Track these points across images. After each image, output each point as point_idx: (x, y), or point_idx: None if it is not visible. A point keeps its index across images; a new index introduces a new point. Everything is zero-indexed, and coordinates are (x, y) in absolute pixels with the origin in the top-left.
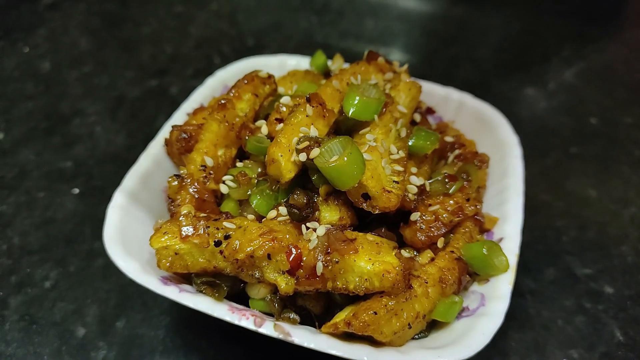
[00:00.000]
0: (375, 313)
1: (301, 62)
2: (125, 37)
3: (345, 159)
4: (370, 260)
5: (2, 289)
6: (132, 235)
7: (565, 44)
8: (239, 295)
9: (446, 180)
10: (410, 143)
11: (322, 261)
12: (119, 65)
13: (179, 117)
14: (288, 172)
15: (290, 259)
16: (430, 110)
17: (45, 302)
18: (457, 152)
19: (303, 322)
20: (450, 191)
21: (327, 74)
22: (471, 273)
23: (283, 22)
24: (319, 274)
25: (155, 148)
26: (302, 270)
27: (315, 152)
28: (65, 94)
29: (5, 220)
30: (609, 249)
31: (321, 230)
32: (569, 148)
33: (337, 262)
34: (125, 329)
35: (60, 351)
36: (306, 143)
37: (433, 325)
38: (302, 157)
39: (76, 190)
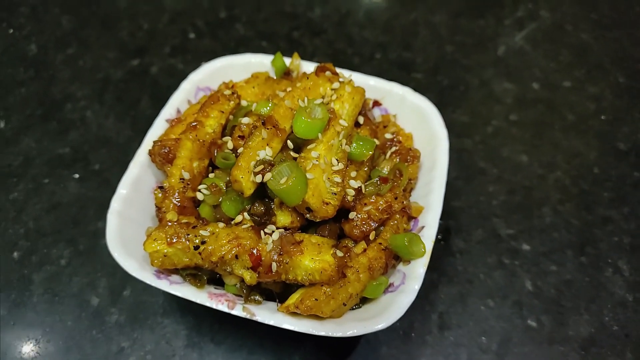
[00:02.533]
0: (316, 299)
1: (264, 60)
2: (103, 13)
3: (290, 183)
4: (313, 260)
5: (27, 268)
6: (129, 236)
7: (520, 4)
8: (217, 280)
9: (378, 182)
10: (349, 150)
11: (276, 261)
12: (100, 44)
13: (159, 124)
14: (248, 189)
15: (253, 260)
16: (376, 103)
17: (63, 278)
18: (394, 148)
19: (268, 299)
20: (382, 192)
21: (287, 73)
22: (397, 257)
23: None
24: (274, 271)
25: (142, 156)
26: (261, 268)
27: (267, 176)
28: (54, 78)
29: (19, 207)
30: (531, 210)
31: (276, 235)
32: (509, 115)
33: (287, 262)
34: (130, 297)
35: (80, 317)
36: (261, 167)
37: (366, 299)
38: (258, 179)
39: (77, 175)
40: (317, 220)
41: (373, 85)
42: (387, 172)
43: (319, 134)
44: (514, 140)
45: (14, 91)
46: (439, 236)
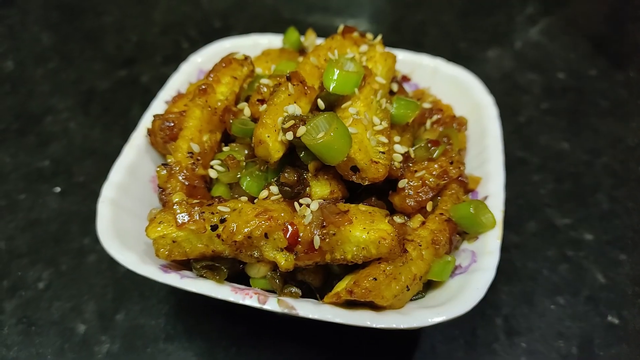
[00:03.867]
0: (375, 279)
1: (273, 41)
2: (88, 28)
3: (332, 134)
4: (365, 230)
5: None
6: (125, 228)
7: (529, 3)
8: (238, 277)
9: (429, 145)
10: (392, 112)
11: (319, 235)
12: (84, 58)
13: (157, 106)
14: (276, 152)
15: (288, 236)
16: (405, 78)
17: (41, 303)
18: (435, 117)
19: (304, 296)
20: (434, 156)
21: (301, 51)
22: (460, 232)
23: (248, 0)
24: (316, 247)
25: (138, 139)
26: (300, 246)
27: (301, 130)
28: (33, 92)
29: None
30: (584, 198)
31: (314, 205)
32: (539, 104)
33: (333, 234)
34: (125, 321)
35: (62, 349)
36: (292, 122)
37: (429, 286)
38: (289, 136)
39: (58, 189)
40: (366, 183)
41: (400, 58)
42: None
43: (355, 90)
44: (551, 128)
45: None
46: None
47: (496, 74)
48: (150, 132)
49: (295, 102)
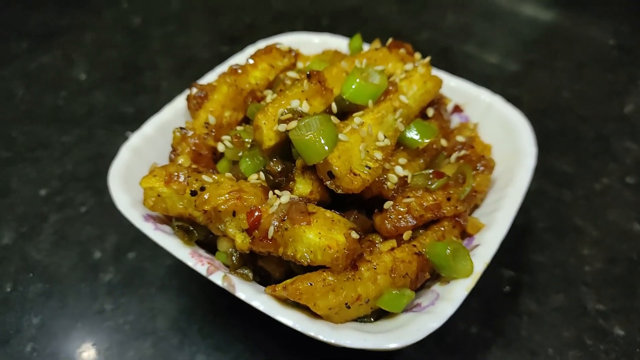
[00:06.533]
0: (311, 284)
1: (342, 44)
2: (212, 2)
3: (316, 135)
4: (319, 235)
5: (48, 206)
6: (135, 174)
7: None
8: (211, 246)
9: (431, 176)
10: (402, 130)
11: (274, 226)
12: (199, 28)
13: (211, 77)
14: (268, 139)
15: (250, 220)
16: (458, 109)
17: (76, 224)
18: (463, 152)
19: (263, 284)
20: (432, 187)
21: None
22: (436, 273)
23: (363, 6)
24: (269, 237)
25: (180, 102)
26: (257, 232)
27: (292, 124)
28: (145, 48)
29: (65, 149)
30: (634, 288)
31: (285, 198)
32: (626, 176)
33: (286, 229)
34: (134, 261)
35: (76, 267)
36: (289, 115)
37: (383, 315)
38: (282, 127)
39: (129, 134)
40: (339, 191)
41: (455, 87)
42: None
43: (370, 101)
44: (627, 205)
45: (105, 52)
46: (506, 288)
47: (591, 132)
48: (188, 98)
49: (307, 100)
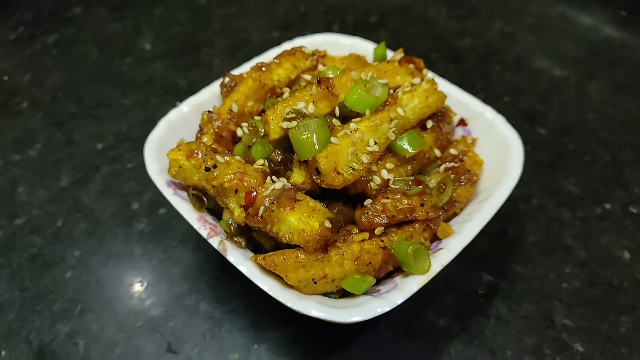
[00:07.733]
0: (284, 259)
1: (369, 48)
2: None
3: (310, 135)
4: (299, 219)
5: (100, 159)
6: (168, 145)
7: None
8: (218, 214)
9: (410, 183)
10: (392, 139)
11: (265, 207)
12: (256, 14)
13: (245, 67)
14: (274, 133)
15: (247, 199)
16: (462, 122)
17: (122, 178)
18: (451, 164)
19: (256, 252)
20: (409, 192)
21: None
22: (399, 269)
23: (413, 6)
24: (260, 215)
25: (215, 86)
26: (251, 209)
27: (293, 123)
28: (205, 27)
29: (123, 111)
30: (606, 312)
31: (279, 184)
32: (630, 205)
33: (273, 211)
34: (163, 216)
35: (116, 214)
36: (293, 115)
37: (347, 295)
38: (285, 124)
39: (178, 104)
40: (323, 185)
41: (462, 101)
42: (432, 184)
43: (367, 111)
44: (622, 233)
45: (171, 27)
46: (482, 290)
47: (607, 157)
48: (221, 85)
49: (313, 102)
